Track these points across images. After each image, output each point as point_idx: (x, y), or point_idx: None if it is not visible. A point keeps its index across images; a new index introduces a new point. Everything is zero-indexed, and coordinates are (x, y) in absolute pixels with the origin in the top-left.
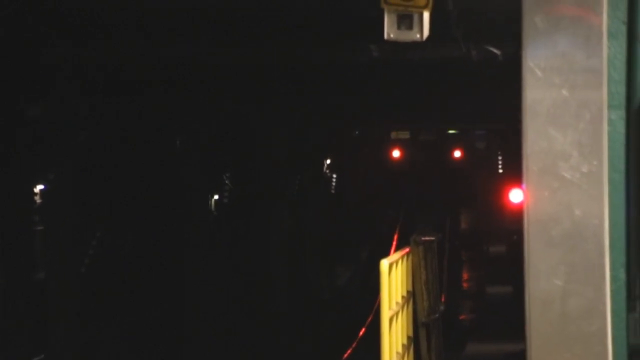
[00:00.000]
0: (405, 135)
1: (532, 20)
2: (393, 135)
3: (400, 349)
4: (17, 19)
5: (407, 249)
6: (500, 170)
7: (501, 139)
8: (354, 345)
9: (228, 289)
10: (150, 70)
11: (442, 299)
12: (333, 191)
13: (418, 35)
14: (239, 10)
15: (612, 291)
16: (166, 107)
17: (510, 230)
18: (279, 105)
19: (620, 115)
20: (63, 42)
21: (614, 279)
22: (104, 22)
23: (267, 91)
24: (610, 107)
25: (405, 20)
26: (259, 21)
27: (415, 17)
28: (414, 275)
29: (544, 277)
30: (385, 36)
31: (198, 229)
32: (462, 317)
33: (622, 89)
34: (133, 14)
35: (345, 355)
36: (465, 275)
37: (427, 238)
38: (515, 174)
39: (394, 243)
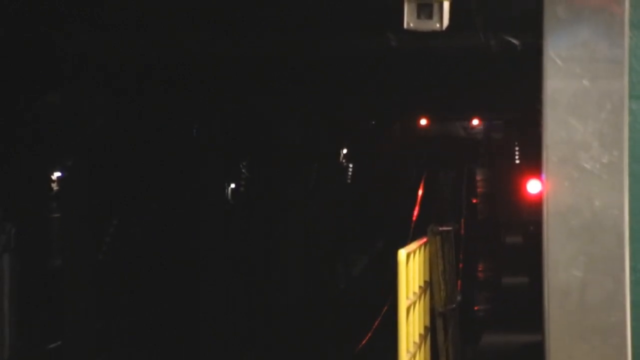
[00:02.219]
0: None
1: (554, 10)
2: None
3: (417, 339)
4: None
5: (424, 239)
6: (518, 161)
7: (519, 130)
8: (369, 335)
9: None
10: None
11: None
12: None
13: (438, 25)
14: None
15: (631, 282)
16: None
17: (527, 220)
18: (291, 98)
19: None
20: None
21: (633, 270)
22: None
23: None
24: (631, 97)
25: (425, 9)
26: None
27: (435, 7)
28: (431, 265)
29: (563, 268)
30: (405, 25)
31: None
32: (477, 307)
33: None
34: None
35: (362, 344)
36: (480, 266)
37: (444, 228)
38: (533, 165)
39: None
